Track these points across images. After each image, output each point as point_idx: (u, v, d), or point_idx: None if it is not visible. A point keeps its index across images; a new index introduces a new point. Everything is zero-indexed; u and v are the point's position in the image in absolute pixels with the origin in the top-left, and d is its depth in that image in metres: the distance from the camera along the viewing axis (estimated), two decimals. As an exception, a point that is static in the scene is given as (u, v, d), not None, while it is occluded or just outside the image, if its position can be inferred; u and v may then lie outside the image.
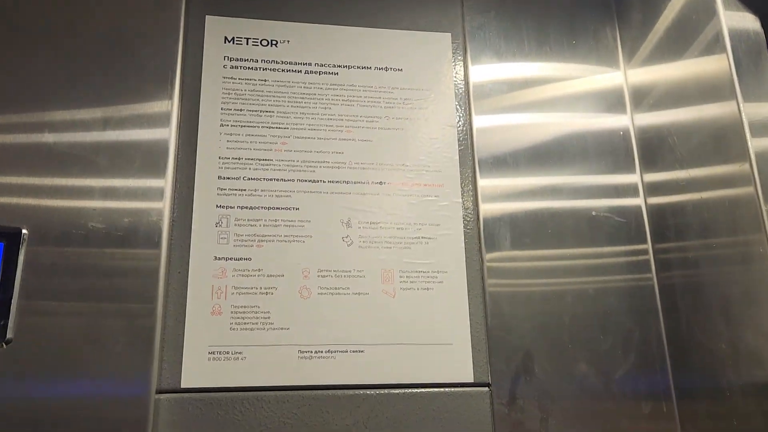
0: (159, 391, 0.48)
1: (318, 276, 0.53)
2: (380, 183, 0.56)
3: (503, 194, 0.57)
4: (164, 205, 0.50)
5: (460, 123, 0.59)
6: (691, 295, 0.53)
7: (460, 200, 0.56)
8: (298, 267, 0.53)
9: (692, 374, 0.52)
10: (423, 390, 0.51)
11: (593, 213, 0.58)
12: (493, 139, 0.59)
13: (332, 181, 0.55)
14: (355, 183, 0.56)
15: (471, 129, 0.59)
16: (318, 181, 0.55)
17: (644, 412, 0.53)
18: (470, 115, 0.59)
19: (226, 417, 0.48)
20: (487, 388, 0.52)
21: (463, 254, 0.55)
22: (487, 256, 0.55)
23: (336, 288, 0.53)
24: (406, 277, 0.54)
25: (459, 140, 0.59)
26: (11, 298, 0.46)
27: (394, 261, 0.54)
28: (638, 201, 0.59)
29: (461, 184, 0.57)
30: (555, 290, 0.55)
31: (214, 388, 0.49)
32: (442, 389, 0.52)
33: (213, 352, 0.50)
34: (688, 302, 0.53)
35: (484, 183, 0.57)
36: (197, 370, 0.49)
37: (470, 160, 0.58)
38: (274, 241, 0.53)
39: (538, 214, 0.57)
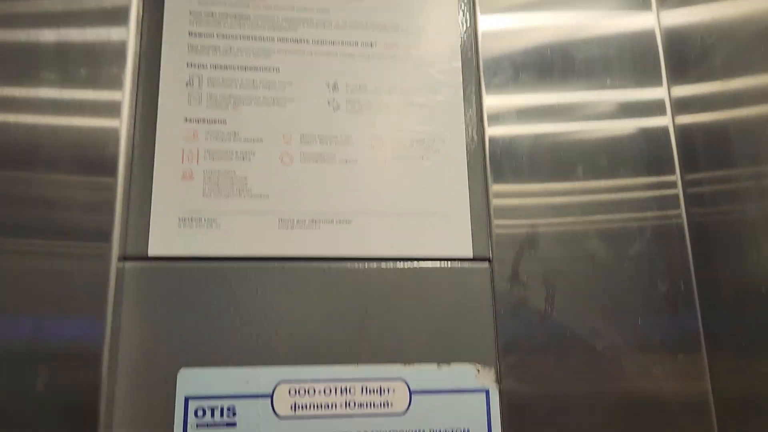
0: (123, 258, 0.43)
1: (300, 142, 0.48)
2: (370, 45, 0.50)
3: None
4: (128, 58, 0.45)
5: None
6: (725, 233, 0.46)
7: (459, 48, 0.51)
8: (279, 131, 0.48)
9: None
10: (416, 264, 0.47)
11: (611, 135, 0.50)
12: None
13: (316, 41, 0.50)
14: (342, 44, 0.50)
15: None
16: (301, 41, 0.50)
17: (660, 290, 0.49)
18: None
19: (199, 287, 0.44)
20: (487, 263, 0.47)
21: (463, 124, 0.50)
22: (488, 118, 0.50)
23: (320, 154, 0.48)
24: (399, 144, 0.49)
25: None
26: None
27: (385, 127, 0.49)
28: (664, 120, 0.52)
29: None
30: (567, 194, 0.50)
31: (185, 257, 0.44)
32: (437, 263, 0.47)
33: (184, 219, 0.45)
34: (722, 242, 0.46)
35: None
36: (167, 238, 0.44)
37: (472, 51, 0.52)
38: (252, 104, 0.48)
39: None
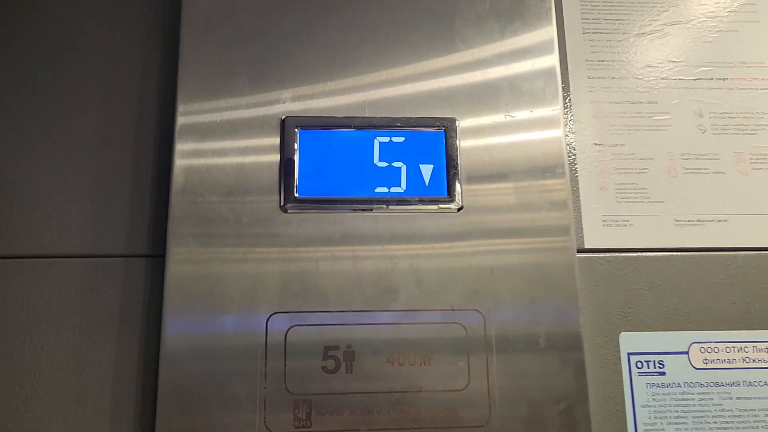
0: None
1: (681, 158, 0.61)
2: (723, 79, 0.64)
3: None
4: (558, 83, 0.59)
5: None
6: None
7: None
8: (665, 150, 0.61)
9: None
10: (783, 252, 0.60)
11: None
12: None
13: (682, 79, 0.63)
14: (701, 80, 0.63)
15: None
16: (671, 78, 0.63)
17: None
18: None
19: (619, 272, 0.58)
20: (835, 252, 0.60)
21: (799, 139, 0.63)
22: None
23: (697, 168, 0.61)
24: (756, 158, 0.62)
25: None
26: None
27: (743, 145, 0.62)
28: None
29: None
30: None
31: (608, 248, 0.59)
32: (798, 252, 0.60)
33: (606, 221, 0.59)
34: None
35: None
36: (596, 234, 0.59)
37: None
38: (641, 129, 0.62)
39: None
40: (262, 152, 0.56)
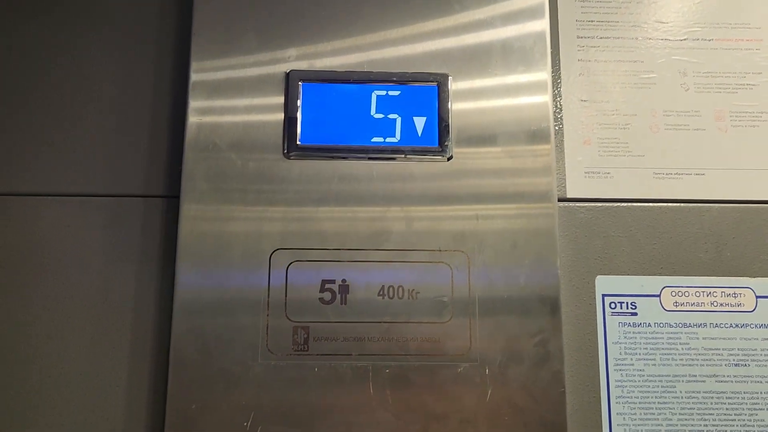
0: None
1: (663, 115, 0.65)
2: (709, 40, 0.66)
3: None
4: (547, 48, 0.63)
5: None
6: None
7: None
8: (648, 108, 0.65)
9: None
10: (759, 205, 0.63)
11: None
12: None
13: (668, 39, 0.66)
14: (688, 40, 0.66)
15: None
16: (656, 39, 0.66)
17: None
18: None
19: (598, 220, 0.62)
20: (807, 206, 0.63)
21: (779, 99, 0.65)
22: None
23: (678, 125, 0.65)
24: (735, 116, 0.65)
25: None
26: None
27: (724, 103, 0.65)
28: None
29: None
30: None
31: (589, 198, 0.63)
32: (774, 204, 0.63)
33: (588, 172, 0.63)
34: None
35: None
36: (578, 185, 0.63)
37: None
38: (626, 87, 0.65)
39: None
40: (269, 107, 0.61)
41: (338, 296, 0.57)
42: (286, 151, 0.60)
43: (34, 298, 0.58)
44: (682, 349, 0.60)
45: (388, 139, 0.61)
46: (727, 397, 0.59)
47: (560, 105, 0.65)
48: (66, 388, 0.57)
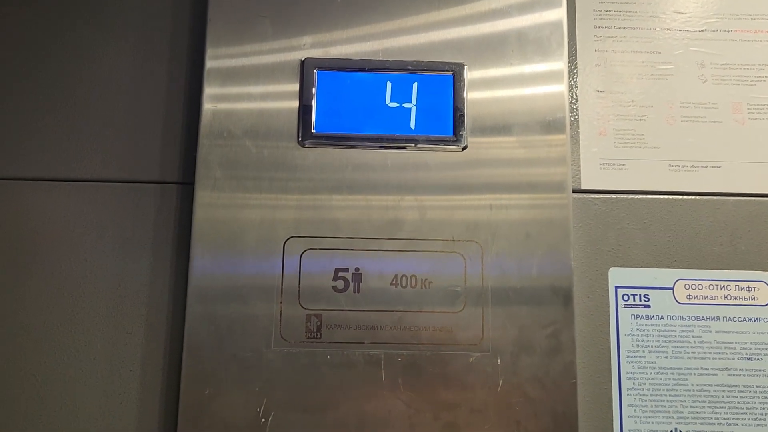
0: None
1: (680, 107, 0.64)
2: (727, 31, 0.66)
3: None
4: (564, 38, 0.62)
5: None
6: None
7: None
8: (664, 99, 0.64)
9: None
10: (772, 198, 0.63)
11: None
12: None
13: (687, 30, 0.65)
14: (705, 31, 0.65)
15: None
16: (674, 30, 0.65)
17: None
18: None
19: (612, 212, 0.62)
20: (824, 200, 0.63)
21: (798, 92, 0.65)
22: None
23: (695, 117, 0.64)
24: (753, 108, 0.64)
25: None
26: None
27: (742, 95, 0.64)
28: None
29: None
30: None
31: (603, 190, 0.63)
32: (788, 200, 0.63)
33: (603, 164, 0.63)
34: None
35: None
36: (592, 176, 0.63)
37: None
38: (643, 78, 0.64)
39: None
40: (284, 95, 0.61)
41: (351, 284, 0.57)
42: (300, 139, 0.59)
43: (50, 283, 0.59)
44: (695, 342, 0.60)
45: (403, 129, 0.60)
46: (739, 391, 0.59)
47: (576, 95, 0.64)
48: (81, 373, 0.57)
